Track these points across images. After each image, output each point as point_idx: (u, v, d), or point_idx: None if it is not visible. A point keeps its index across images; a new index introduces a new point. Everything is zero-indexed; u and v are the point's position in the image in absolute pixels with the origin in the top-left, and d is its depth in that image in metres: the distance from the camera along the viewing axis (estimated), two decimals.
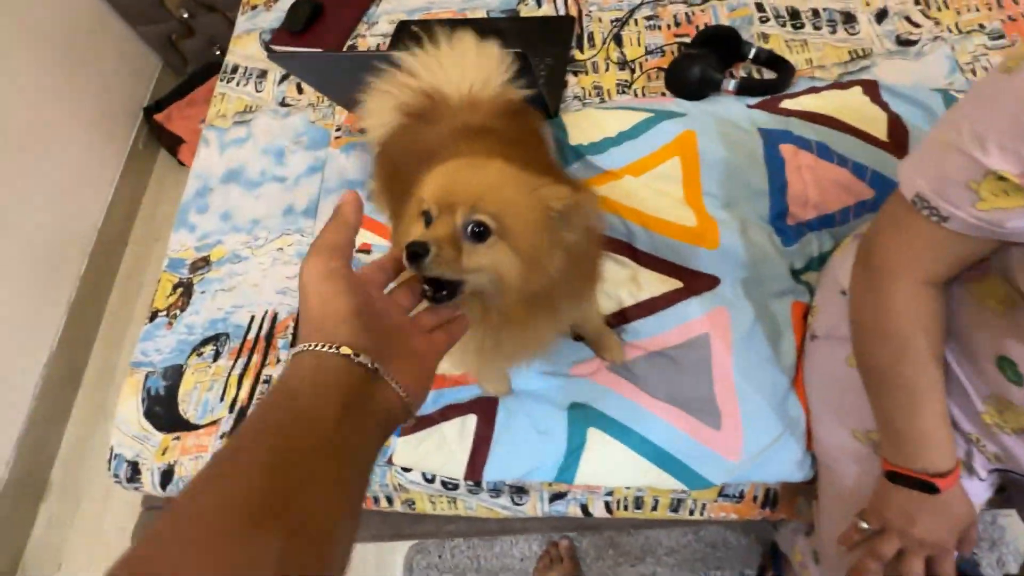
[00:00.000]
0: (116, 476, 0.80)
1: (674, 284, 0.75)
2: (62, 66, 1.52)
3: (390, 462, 0.72)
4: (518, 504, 0.75)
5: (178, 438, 0.80)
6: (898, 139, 0.75)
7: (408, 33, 1.11)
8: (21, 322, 1.36)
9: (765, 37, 0.97)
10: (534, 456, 0.67)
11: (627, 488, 0.72)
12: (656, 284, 0.75)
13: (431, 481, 0.72)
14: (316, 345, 0.31)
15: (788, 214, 0.74)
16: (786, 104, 0.81)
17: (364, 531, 0.87)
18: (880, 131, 0.76)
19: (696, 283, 0.74)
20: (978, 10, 0.94)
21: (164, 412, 0.82)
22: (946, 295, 0.51)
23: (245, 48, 1.20)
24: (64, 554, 1.28)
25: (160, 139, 1.77)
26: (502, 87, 0.68)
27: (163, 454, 0.79)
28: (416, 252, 0.40)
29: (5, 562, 1.26)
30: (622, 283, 0.74)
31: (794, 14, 0.99)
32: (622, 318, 0.74)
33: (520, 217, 0.44)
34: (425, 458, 0.70)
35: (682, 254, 0.74)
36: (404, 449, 0.70)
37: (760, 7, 1.01)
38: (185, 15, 1.69)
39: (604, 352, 0.72)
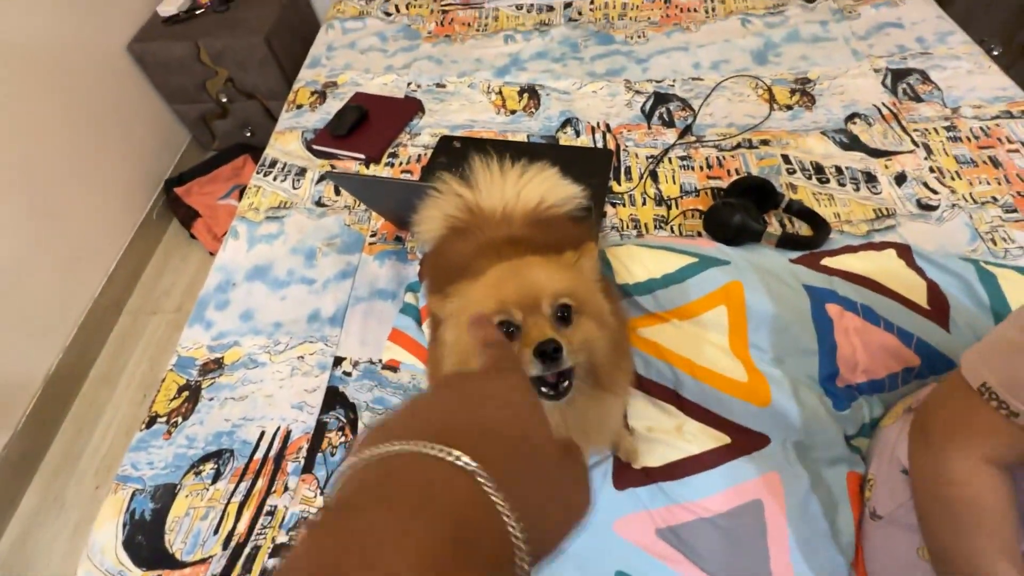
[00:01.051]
0: None
1: (722, 439, 0.71)
2: (94, 130, 1.55)
3: None
4: None
5: None
6: (939, 308, 0.76)
7: (449, 147, 1.16)
8: None
9: (794, 188, 1.03)
10: None
11: None
12: (703, 437, 0.71)
13: None
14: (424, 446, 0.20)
15: (838, 376, 0.73)
16: (827, 262, 0.83)
17: None
18: (920, 298, 0.78)
19: (745, 441, 0.71)
20: (988, 183, 1.01)
21: (147, 542, 0.72)
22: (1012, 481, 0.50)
23: (286, 144, 1.23)
24: None
25: (175, 211, 1.76)
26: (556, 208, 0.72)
27: None
28: (551, 350, 0.44)
29: None
30: (667, 432, 0.71)
31: (818, 169, 1.05)
32: (667, 474, 0.69)
33: (582, 288, 0.50)
34: None
35: (731, 408, 0.72)
36: None
37: (786, 159, 1.07)
38: (224, 99, 1.75)
39: (621, 452, 0.72)
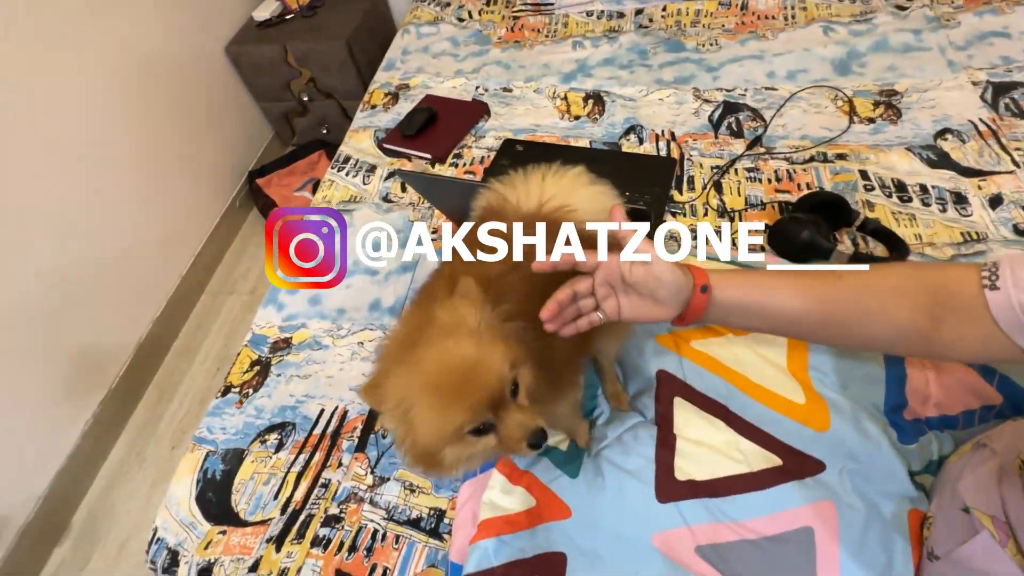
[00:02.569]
0: (152, 563, 0.76)
1: (773, 461, 0.69)
2: (193, 124, 1.70)
3: None
4: None
5: (224, 532, 0.76)
6: None
7: (512, 150, 1.18)
8: (85, 360, 1.41)
9: (871, 206, 0.97)
10: None
11: None
12: (754, 457, 0.69)
13: None
14: None
15: (907, 408, 0.69)
16: None
17: None
18: None
19: (798, 465, 0.68)
20: None
21: (216, 499, 0.79)
22: None
23: (359, 142, 1.30)
24: None
25: (255, 201, 1.90)
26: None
27: (206, 548, 0.75)
28: (540, 442, 0.53)
29: None
30: (721, 448, 0.69)
31: (900, 187, 0.99)
32: (713, 489, 0.68)
33: (510, 349, 0.53)
34: None
35: (785, 430, 0.69)
36: None
37: (864, 175, 1.02)
38: (305, 98, 1.87)
39: (577, 438, 0.76)
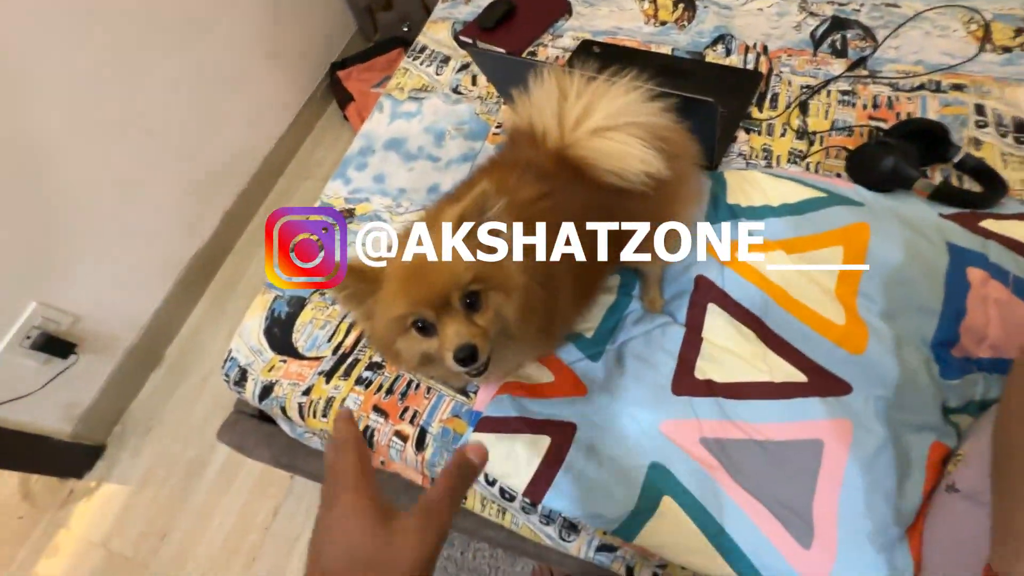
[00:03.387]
0: (226, 376, 0.89)
1: (798, 377, 0.69)
2: (275, 13, 1.75)
3: None
4: (565, 540, 0.73)
5: (284, 361, 0.88)
6: None
7: (588, 52, 1.14)
8: (185, 217, 1.58)
9: (977, 143, 0.87)
10: (599, 502, 0.65)
11: (683, 569, 0.67)
12: (781, 372, 0.69)
13: (491, 484, 0.73)
14: None
15: (956, 345, 0.66)
16: (988, 224, 0.71)
17: (404, 496, 0.89)
18: None
19: (824, 384, 0.68)
20: None
21: (280, 334, 0.90)
22: None
23: (437, 33, 1.30)
24: (155, 421, 1.46)
25: (335, 93, 1.95)
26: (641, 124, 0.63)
27: (269, 371, 0.87)
28: (468, 357, 0.50)
29: (112, 413, 1.46)
30: (746, 358, 0.70)
31: (1021, 126, 0.87)
32: (731, 391, 0.69)
33: (485, 266, 0.51)
34: (493, 460, 0.70)
35: (817, 348, 0.69)
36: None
37: (980, 110, 0.90)
38: None
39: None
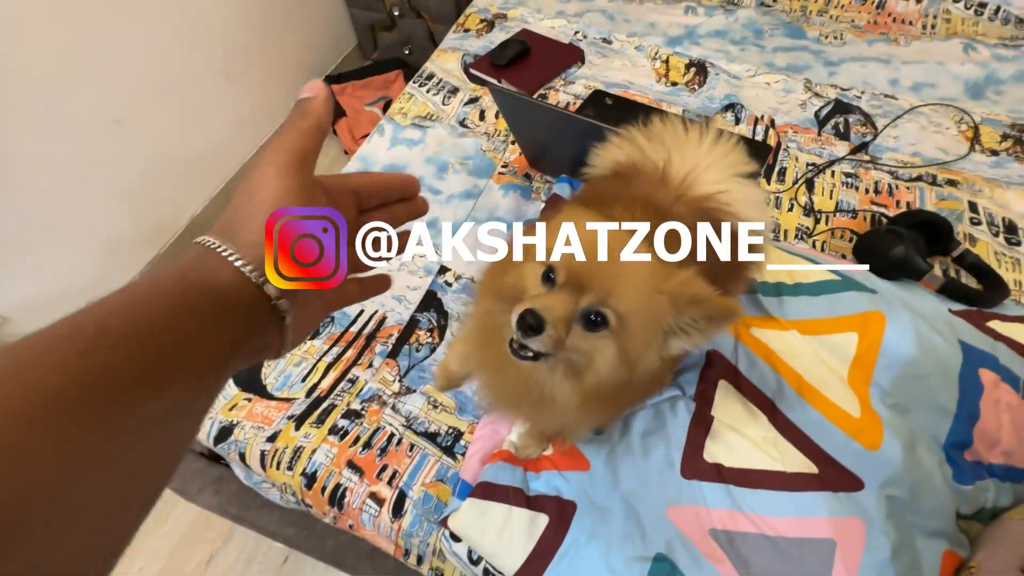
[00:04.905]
0: None
1: (810, 468, 0.66)
2: (280, 14, 1.68)
3: (444, 523, 0.66)
4: None
5: (250, 399, 0.78)
6: None
7: (601, 102, 1.13)
8: (146, 216, 1.45)
9: (972, 240, 0.90)
10: None
11: None
12: (793, 461, 0.66)
13: (475, 563, 0.65)
14: (232, 253, 0.25)
15: (969, 448, 0.64)
16: (995, 325, 0.72)
17: (368, 563, 0.80)
18: None
19: (835, 478, 0.65)
20: None
21: (246, 369, 0.81)
22: None
23: (446, 63, 1.26)
24: None
25: None
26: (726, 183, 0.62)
27: (231, 409, 0.77)
28: (531, 326, 0.41)
29: None
30: (757, 441, 0.67)
31: (1010, 228, 0.91)
32: (741, 479, 0.65)
33: (642, 317, 0.44)
34: (483, 534, 0.63)
35: (831, 440, 0.66)
36: (467, 513, 0.64)
37: (973, 207, 0.94)
38: (396, 12, 1.83)
39: (518, 449, 0.69)
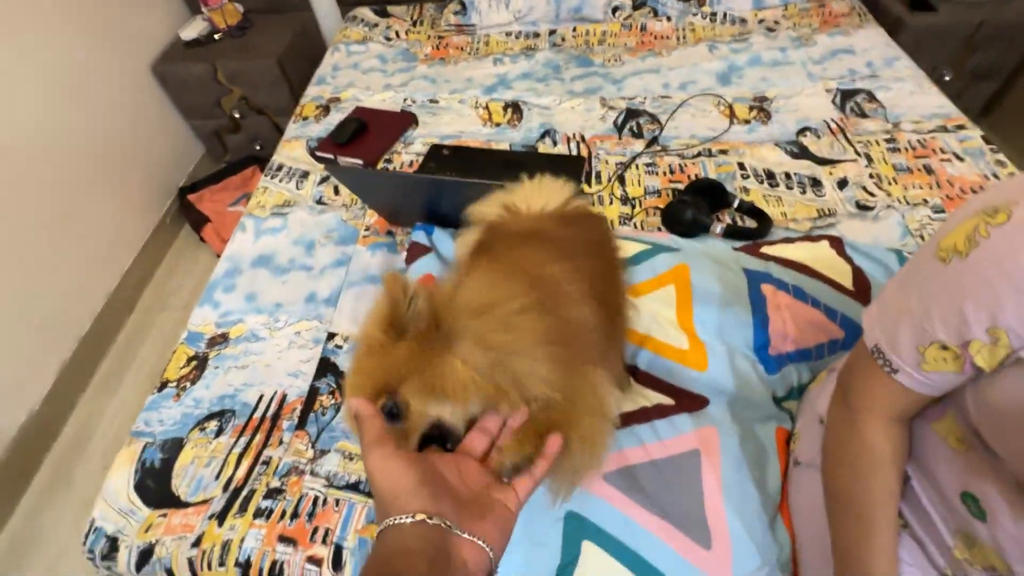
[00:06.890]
0: (91, 553, 0.76)
1: (667, 401, 0.80)
2: (118, 141, 1.68)
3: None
4: None
5: (164, 515, 0.78)
6: (862, 289, 0.86)
7: (439, 155, 1.28)
8: (9, 380, 1.35)
9: (746, 190, 1.14)
10: (527, 566, 0.67)
11: None
12: (652, 399, 0.80)
13: None
14: (395, 519, 0.36)
15: (770, 346, 0.83)
16: (766, 250, 0.93)
17: None
18: (847, 281, 0.88)
19: (687, 402, 0.80)
20: (920, 188, 1.12)
21: (155, 486, 0.81)
22: (911, 430, 0.57)
23: (292, 151, 1.36)
24: None
25: (187, 216, 1.88)
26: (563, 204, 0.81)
27: (146, 531, 0.76)
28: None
29: None
30: (636, 399, 0.80)
31: (770, 175, 1.17)
32: (629, 418, 0.78)
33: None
34: None
35: (677, 375, 0.81)
36: None
37: (741, 166, 1.19)
38: (237, 115, 1.90)
39: None
